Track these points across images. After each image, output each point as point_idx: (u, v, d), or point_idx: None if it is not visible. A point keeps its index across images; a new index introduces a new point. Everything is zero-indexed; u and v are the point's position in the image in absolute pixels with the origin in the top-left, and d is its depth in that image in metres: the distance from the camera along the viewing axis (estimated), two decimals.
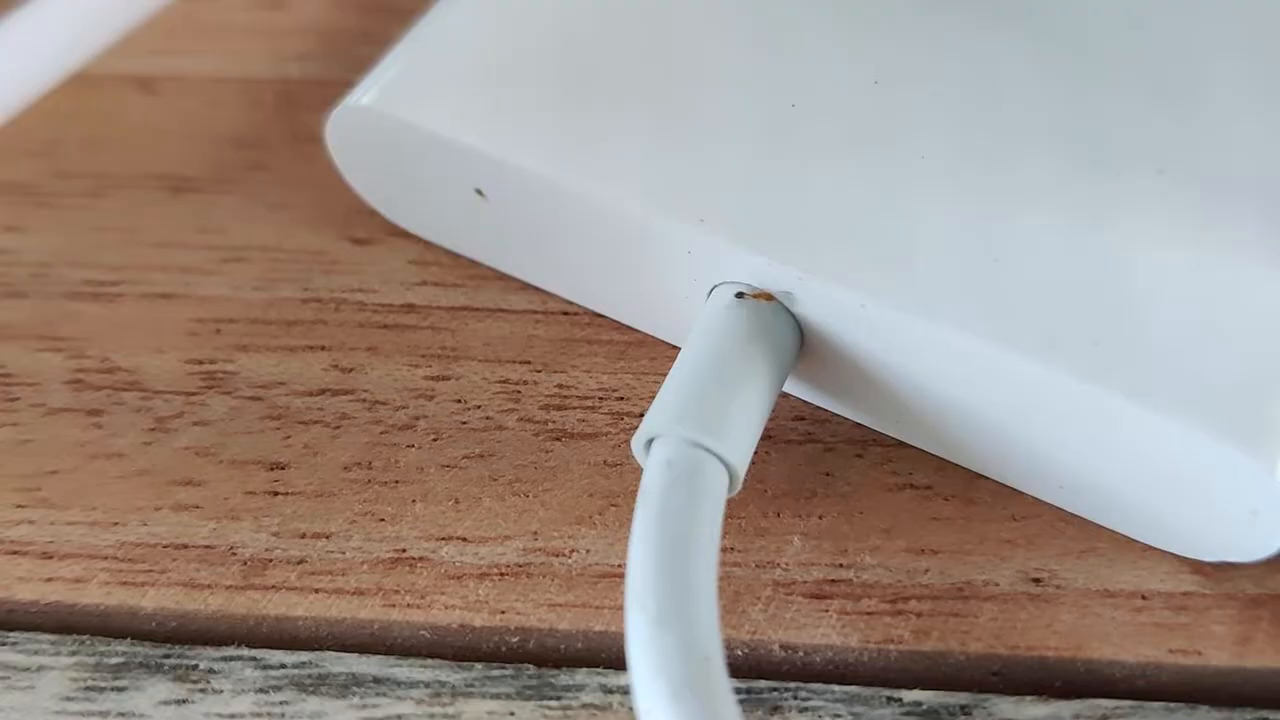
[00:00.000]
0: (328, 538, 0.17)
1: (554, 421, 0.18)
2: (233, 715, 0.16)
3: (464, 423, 0.18)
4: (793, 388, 0.18)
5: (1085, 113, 0.17)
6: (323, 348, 0.19)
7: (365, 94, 0.18)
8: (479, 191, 0.18)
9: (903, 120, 0.17)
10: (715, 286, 0.17)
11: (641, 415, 0.15)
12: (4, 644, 0.16)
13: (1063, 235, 0.16)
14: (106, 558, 0.17)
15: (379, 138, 0.18)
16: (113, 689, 0.16)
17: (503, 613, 0.17)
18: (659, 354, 0.19)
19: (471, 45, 0.18)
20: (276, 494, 0.18)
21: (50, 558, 0.17)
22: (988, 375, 0.15)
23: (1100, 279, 0.16)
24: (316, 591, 0.17)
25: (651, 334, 0.19)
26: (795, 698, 0.16)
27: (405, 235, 0.20)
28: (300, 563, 0.17)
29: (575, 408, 0.18)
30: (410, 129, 0.18)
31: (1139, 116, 0.17)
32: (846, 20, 0.18)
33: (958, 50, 0.18)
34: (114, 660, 0.16)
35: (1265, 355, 0.15)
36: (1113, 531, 0.17)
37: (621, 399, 0.18)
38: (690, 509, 0.15)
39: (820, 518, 0.17)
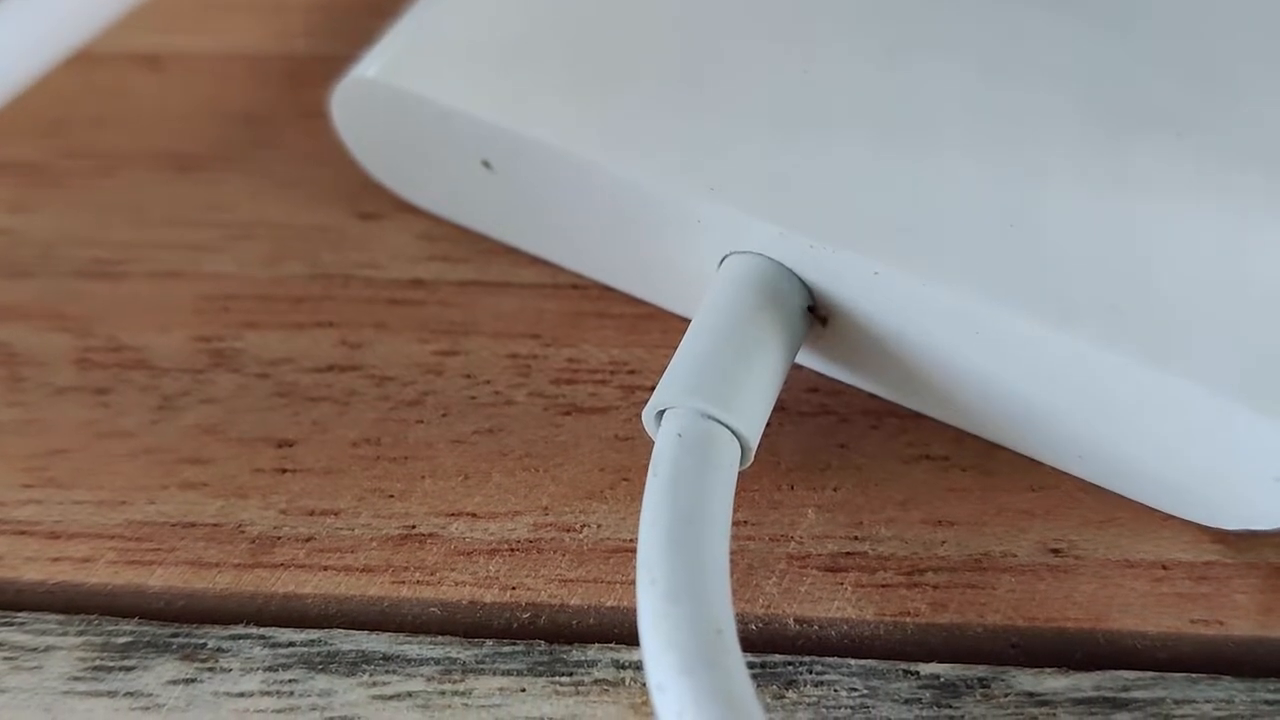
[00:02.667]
0: (336, 515, 0.17)
1: (564, 396, 0.18)
2: (241, 694, 0.16)
3: (473, 398, 0.18)
4: (806, 359, 0.18)
5: (1101, 78, 0.17)
6: (330, 324, 0.19)
7: (370, 66, 0.18)
8: (486, 164, 0.18)
9: (915, 88, 0.17)
10: (726, 256, 0.17)
11: (653, 388, 0.15)
12: (11, 624, 0.16)
13: (1079, 201, 0.16)
14: (114, 537, 0.17)
15: (384, 110, 0.18)
16: (121, 668, 0.16)
17: (513, 589, 0.16)
18: (670, 327, 0.18)
19: (476, 16, 0.18)
20: (284, 471, 0.17)
21: (57, 537, 0.17)
22: (1004, 343, 0.15)
23: (1119, 244, 0.15)
24: (325, 569, 0.17)
25: (662, 306, 0.19)
26: (810, 671, 0.16)
27: (413, 210, 0.20)
28: (309, 540, 0.17)
29: (586, 381, 0.18)
30: (416, 100, 0.18)
31: (1157, 81, 0.17)
32: None
33: (972, 18, 0.18)
34: (122, 640, 0.16)
35: None
36: (1132, 501, 0.17)
37: (632, 372, 0.18)
38: (701, 480, 0.14)
39: (835, 490, 0.17)
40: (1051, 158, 0.16)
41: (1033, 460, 0.17)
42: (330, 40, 0.23)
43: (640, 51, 0.18)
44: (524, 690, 0.16)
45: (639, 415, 0.16)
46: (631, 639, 0.16)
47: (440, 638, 0.16)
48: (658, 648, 0.13)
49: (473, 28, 0.18)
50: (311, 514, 0.17)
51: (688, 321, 0.16)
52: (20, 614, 0.17)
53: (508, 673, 0.16)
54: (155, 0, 0.23)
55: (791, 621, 0.16)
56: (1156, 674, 0.16)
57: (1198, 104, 0.17)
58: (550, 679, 0.16)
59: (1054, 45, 0.17)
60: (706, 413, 0.15)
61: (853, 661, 0.16)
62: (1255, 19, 0.18)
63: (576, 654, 0.16)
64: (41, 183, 0.21)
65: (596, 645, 0.16)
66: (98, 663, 0.16)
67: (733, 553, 0.14)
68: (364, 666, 0.16)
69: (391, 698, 0.16)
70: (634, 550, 0.14)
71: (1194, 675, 0.16)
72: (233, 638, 0.16)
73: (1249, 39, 0.17)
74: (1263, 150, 0.16)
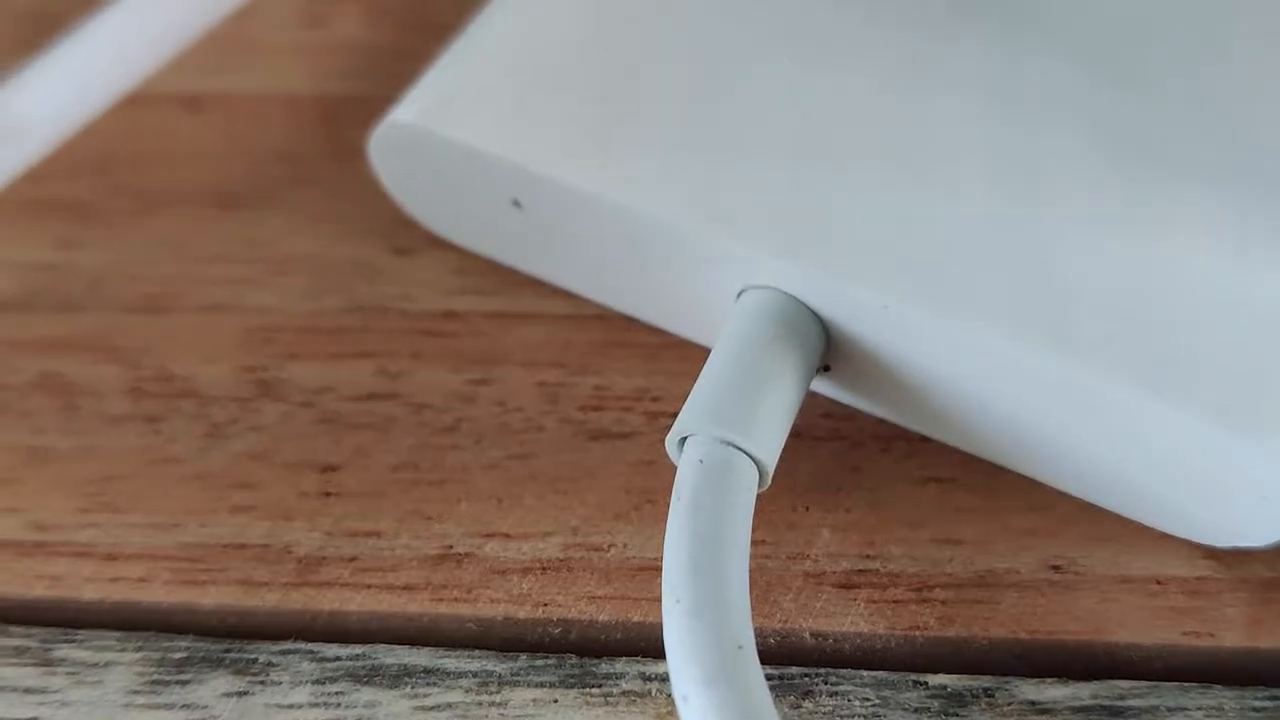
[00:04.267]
0: (378, 536, 0.18)
1: (591, 422, 0.19)
2: (291, 705, 0.16)
3: (505, 424, 0.19)
4: (820, 386, 0.18)
5: (1109, 117, 0.18)
6: (369, 354, 0.20)
7: (406, 111, 0.19)
8: (516, 202, 0.18)
9: (926, 128, 0.18)
10: (743, 290, 0.17)
11: (675, 414, 0.16)
12: (72, 641, 0.17)
13: (1079, 237, 0.16)
14: (168, 558, 0.18)
15: (420, 152, 0.19)
16: (177, 682, 0.17)
17: (545, 605, 0.17)
18: (691, 355, 0.19)
19: (506, 62, 0.19)
20: (328, 495, 0.18)
21: (114, 559, 0.18)
22: (1008, 372, 0.16)
23: (1116, 278, 0.16)
24: (368, 587, 0.17)
25: (683, 336, 0.19)
26: (826, 683, 0.16)
27: (445, 245, 0.21)
28: (352, 560, 0.18)
29: (612, 408, 0.19)
30: (449, 144, 0.18)
31: (1163, 118, 0.18)
32: (876, 32, 0.19)
33: (984, 58, 0.18)
34: (177, 655, 0.17)
35: (1269, 344, 0.15)
36: (1129, 520, 0.17)
37: (656, 399, 0.19)
38: (722, 504, 0.15)
39: (848, 511, 0.18)
40: (1055, 195, 0.17)
41: (1035, 482, 0.18)
42: (362, 81, 0.23)
43: (661, 94, 0.18)
44: (556, 701, 0.16)
45: (662, 440, 0.16)
46: (657, 653, 0.16)
47: (477, 652, 0.17)
48: (682, 661, 0.14)
49: (502, 73, 0.19)
50: (354, 535, 0.18)
51: (707, 351, 0.17)
52: (80, 631, 0.17)
53: (541, 685, 0.17)
54: (195, 44, 0.24)
55: (808, 635, 0.17)
56: (1151, 683, 0.16)
57: (1200, 139, 0.17)
58: (581, 690, 0.16)
59: (1064, 84, 0.18)
60: (726, 439, 0.16)
61: (865, 673, 0.16)
62: (1266, 58, 0.18)
63: (605, 667, 0.17)
64: (89, 220, 0.22)
65: (624, 659, 0.17)
66: (155, 677, 0.17)
67: (751, 571, 0.15)
68: (406, 679, 0.17)
69: (432, 709, 0.16)
70: (659, 568, 0.15)
71: (1187, 685, 0.16)
72: (282, 653, 0.17)
73: (1256, 77, 0.18)
74: (1258, 182, 0.17)
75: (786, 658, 0.17)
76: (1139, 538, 0.17)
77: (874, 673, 0.17)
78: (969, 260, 0.16)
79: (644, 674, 0.17)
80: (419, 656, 0.17)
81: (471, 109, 0.18)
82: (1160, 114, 0.18)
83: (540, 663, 0.17)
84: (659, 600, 0.15)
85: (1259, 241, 0.16)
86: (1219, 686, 0.16)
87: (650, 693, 0.16)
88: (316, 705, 0.16)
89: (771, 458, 0.16)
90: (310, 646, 0.17)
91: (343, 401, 0.19)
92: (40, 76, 0.21)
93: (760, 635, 0.17)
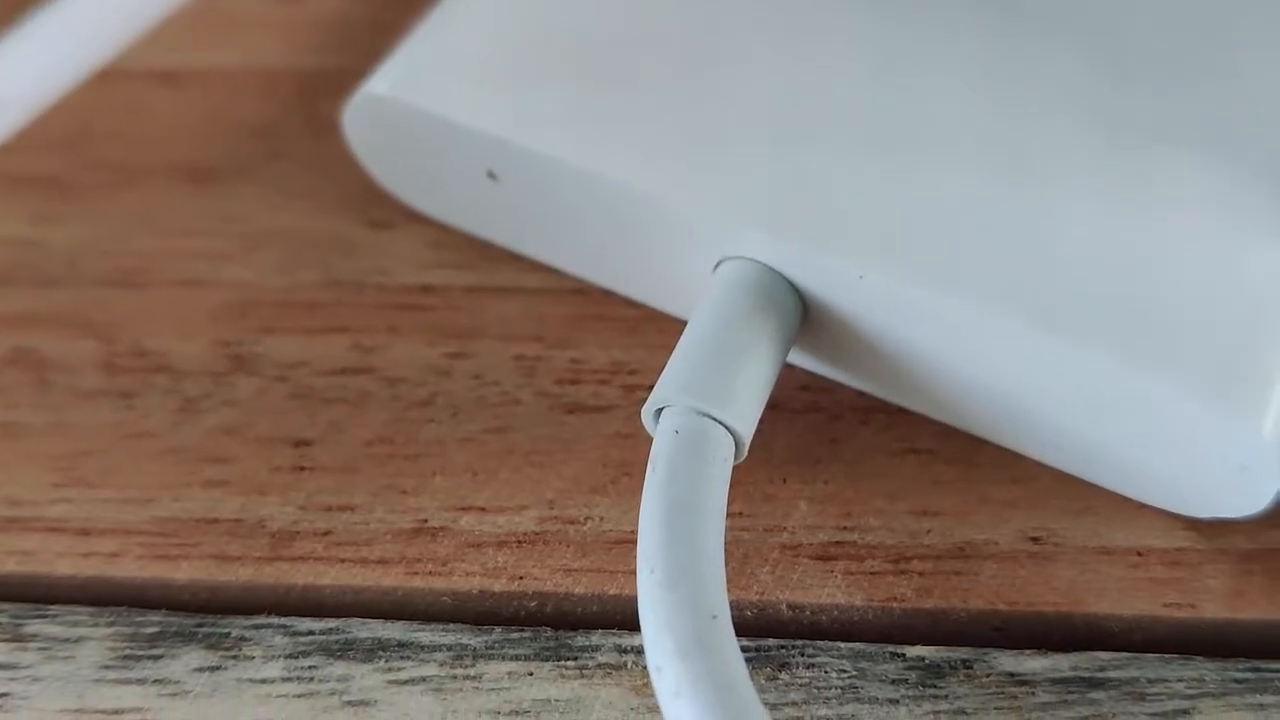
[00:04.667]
0: (352, 510, 0.18)
1: (568, 395, 0.19)
2: (264, 680, 0.16)
3: (481, 398, 0.19)
4: (797, 358, 0.18)
5: (1083, 91, 0.18)
6: (344, 329, 0.20)
7: (380, 83, 0.19)
8: (491, 174, 0.18)
9: (903, 102, 0.18)
10: (720, 261, 0.17)
11: (652, 388, 0.16)
12: (44, 616, 0.17)
13: (1057, 209, 0.16)
14: (141, 533, 0.18)
15: (394, 124, 0.19)
16: (149, 657, 0.17)
17: (520, 578, 0.17)
18: (668, 329, 0.19)
19: (480, 33, 0.19)
20: (302, 469, 0.18)
21: (87, 534, 0.18)
22: (983, 342, 0.16)
23: (1092, 248, 0.16)
24: (342, 561, 0.17)
25: (661, 309, 0.19)
26: (802, 655, 0.16)
27: (422, 219, 0.21)
28: (326, 534, 0.18)
29: (588, 382, 0.19)
30: (423, 115, 0.18)
31: (1141, 92, 0.17)
32: (855, 6, 0.19)
33: (963, 35, 0.18)
34: (150, 630, 0.17)
35: (1248, 316, 0.15)
36: (1109, 491, 0.17)
37: (633, 372, 0.19)
38: (697, 474, 0.15)
39: (825, 483, 0.18)
40: (1033, 167, 0.17)
41: (1014, 453, 0.18)
42: (338, 55, 0.23)
43: (638, 65, 0.18)
44: (531, 674, 0.16)
45: (639, 413, 0.16)
46: (633, 625, 0.16)
47: (452, 625, 0.17)
48: (656, 632, 0.14)
49: (476, 44, 0.19)
50: (328, 509, 0.18)
51: (685, 324, 0.17)
52: (53, 607, 0.17)
53: (516, 658, 0.16)
54: (171, 19, 0.24)
55: (784, 607, 0.17)
56: (1131, 655, 0.16)
57: (1181, 111, 0.17)
58: (556, 663, 0.16)
59: (1042, 58, 0.18)
60: (702, 410, 0.15)
61: (842, 645, 0.16)
62: (1246, 31, 0.18)
63: (581, 640, 0.17)
64: (64, 195, 0.22)
65: (600, 631, 0.17)
66: (127, 652, 0.17)
67: (728, 543, 0.15)
68: (380, 653, 0.17)
69: (406, 682, 0.16)
70: (634, 541, 0.15)
71: (1167, 656, 0.16)
72: (255, 627, 0.17)
73: (1238, 50, 0.18)
74: (1232, 154, 0.17)
75: (763, 630, 0.17)
76: (1119, 509, 0.17)
77: (851, 644, 0.16)
78: (945, 232, 0.16)
79: (620, 646, 0.17)
80: (393, 630, 0.17)
81: (445, 80, 0.18)
82: (1140, 86, 0.18)
83: (515, 636, 0.17)
84: (634, 573, 0.15)
85: (1243, 213, 0.16)
86: (1200, 658, 0.16)
87: (626, 665, 0.16)
88: (289, 679, 0.16)
89: (748, 428, 0.16)
90: (283, 621, 0.17)
91: (317, 376, 0.19)
92: (13, 51, 0.21)
93: (737, 607, 0.17)
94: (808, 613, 0.17)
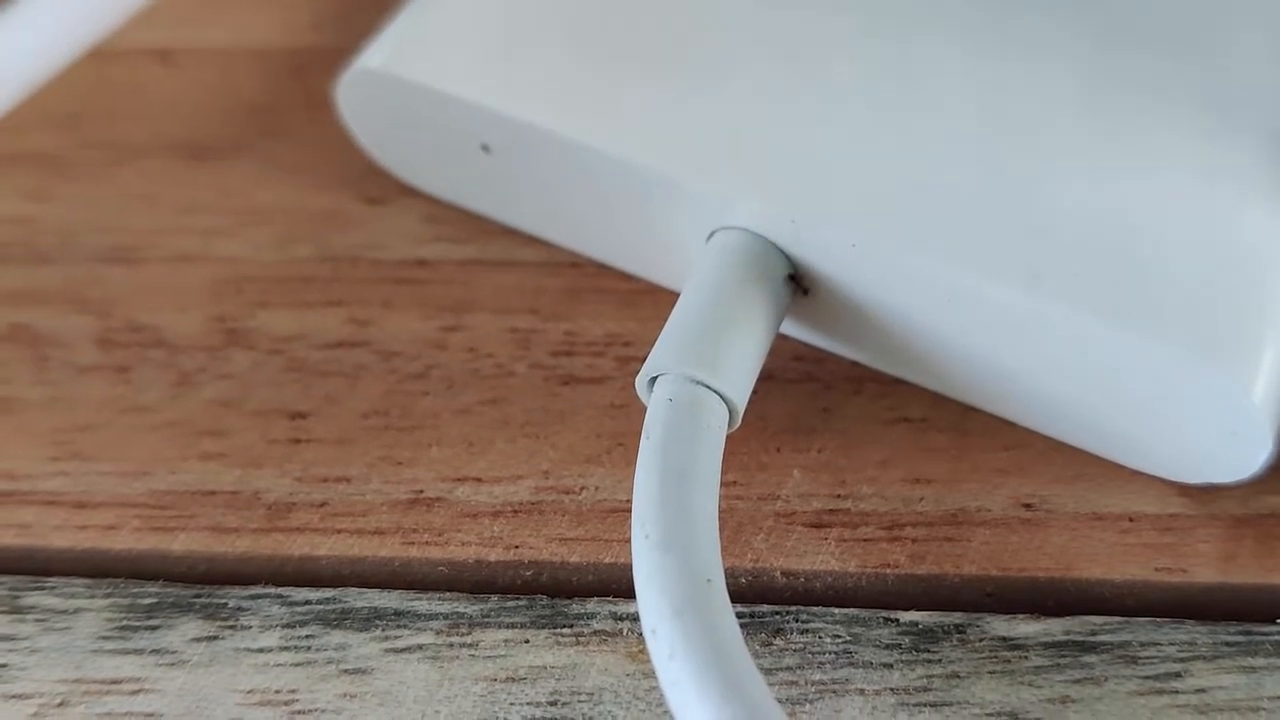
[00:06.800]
0: (348, 481, 0.18)
1: (562, 367, 0.19)
2: (261, 649, 0.16)
3: (476, 370, 0.19)
4: (791, 329, 0.18)
5: (1071, 55, 0.18)
6: (339, 303, 0.20)
7: (373, 57, 0.19)
8: (484, 147, 0.18)
9: (893, 70, 0.18)
10: (713, 232, 0.17)
11: (645, 359, 0.16)
12: (42, 588, 0.17)
13: (1046, 173, 0.16)
14: (137, 505, 0.18)
15: (387, 99, 0.19)
16: (146, 628, 0.17)
17: (516, 548, 0.17)
18: (662, 301, 0.19)
19: (474, 6, 0.19)
20: (298, 441, 0.18)
21: (84, 507, 0.18)
22: (975, 310, 0.16)
23: (1083, 211, 0.16)
24: (338, 532, 0.17)
25: (654, 282, 0.19)
26: (797, 620, 0.16)
27: (416, 193, 0.21)
28: (322, 505, 0.18)
29: (583, 354, 0.19)
30: (416, 88, 0.18)
31: (1124, 54, 0.18)
32: None
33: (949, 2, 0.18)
34: (147, 601, 0.17)
35: (1239, 280, 0.15)
36: (1101, 458, 0.17)
37: (627, 344, 0.19)
38: (691, 441, 0.15)
39: (819, 451, 0.18)
40: (1022, 132, 0.17)
41: (1006, 421, 0.18)
42: (332, 32, 0.23)
43: (629, 36, 0.18)
44: (528, 642, 0.16)
45: (633, 384, 0.16)
46: (628, 593, 0.16)
47: (448, 594, 0.17)
48: (651, 595, 0.14)
49: (468, 17, 0.19)
50: (324, 481, 0.18)
51: (678, 296, 0.17)
52: (50, 579, 0.17)
53: (512, 625, 0.17)
54: None
55: (779, 574, 0.17)
56: (1123, 619, 0.16)
57: (1162, 72, 0.17)
58: (552, 631, 0.16)
59: (1030, 22, 0.18)
60: (695, 378, 0.16)
61: (836, 610, 0.17)
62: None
63: (576, 607, 0.17)
64: (59, 173, 0.22)
65: (595, 599, 0.17)
66: (124, 623, 0.17)
67: (723, 511, 0.15)
68: (376, 622, 0.17)
69: (403, 650, 0.16)
70: (629, 510, 0.15)
71: (1159, 620, 0.16)
72: (252, 597, 0.17)
73: (1225, 12, 0.18)
74: (1223, 117, 0.17)
75: (757, 596, 0.17)
76: (1111, 476, 0.17)
77: (845, 610, 0.17)
78: (935, 198, 0.16)
79: (615, 614, 0.17)
80: (389, 599, 0.17)
81: (438, 53, 0.18)
82: (1130, 50, 0.18)
83: (511, 604, 0.17)
84: (629, 541, 0.15)
85: (1231, 175, 0.16)
86: (1191, 621, 0.16)
87: (621, 632, 0.16)
88: (286, 648, 0.16)
89: (741, 396, 0.16)
90: (280, 591, 0.17)
91: (312, 349, 0.19)
92: (7, 28, 0.21)
93: (731, 575, 0.17)
94: (802, 579, 0.17)
